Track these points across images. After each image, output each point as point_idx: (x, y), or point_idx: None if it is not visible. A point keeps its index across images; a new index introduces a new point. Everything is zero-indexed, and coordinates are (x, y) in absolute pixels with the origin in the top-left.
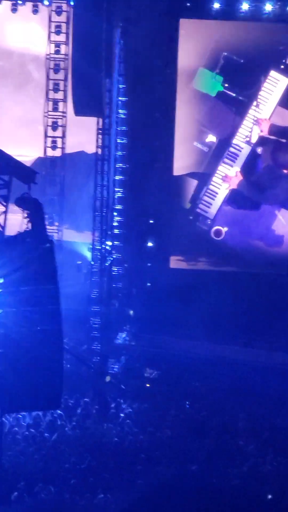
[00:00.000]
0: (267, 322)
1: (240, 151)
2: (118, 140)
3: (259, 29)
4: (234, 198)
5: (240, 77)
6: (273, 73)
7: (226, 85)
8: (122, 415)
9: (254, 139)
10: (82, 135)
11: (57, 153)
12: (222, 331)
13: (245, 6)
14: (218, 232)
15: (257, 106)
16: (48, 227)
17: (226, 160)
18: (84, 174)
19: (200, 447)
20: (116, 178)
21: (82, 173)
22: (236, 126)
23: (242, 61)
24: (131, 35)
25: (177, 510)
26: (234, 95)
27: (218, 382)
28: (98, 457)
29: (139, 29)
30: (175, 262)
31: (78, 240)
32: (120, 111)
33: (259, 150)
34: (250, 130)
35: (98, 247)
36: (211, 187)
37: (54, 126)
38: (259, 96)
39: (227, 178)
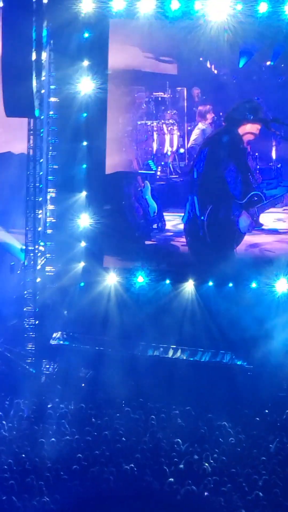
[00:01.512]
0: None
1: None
2: (50, 140)
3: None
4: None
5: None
6: None
7: None
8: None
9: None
10: (9, 135)
11: None
12: (156, 330)
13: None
14: None
15: None
16: None
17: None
18: (14, 174)
19: (137, 447)
20: (48, 179)
21: (11, 173)
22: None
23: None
24: (61, 35)
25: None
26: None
27: (154, 379)
28: (35, 458)
29: (68, 28)
30: (108, 261)
31: (10, 241)
32: (51, 111)
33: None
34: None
35: (31, 248)
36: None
37: None
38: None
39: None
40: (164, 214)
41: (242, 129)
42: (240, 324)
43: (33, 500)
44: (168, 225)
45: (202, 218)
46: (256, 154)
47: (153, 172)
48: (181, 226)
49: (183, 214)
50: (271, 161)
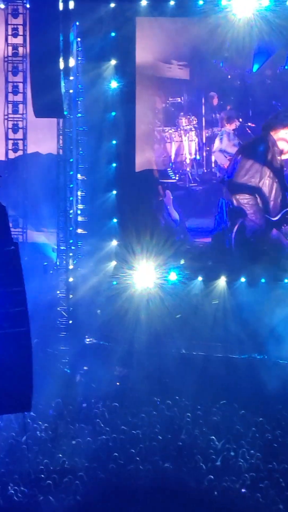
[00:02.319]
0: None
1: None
2: (79, 140)
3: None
4: None
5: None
6: None
7: None
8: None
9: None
10: (36, 135)
11: (18, 155)
12: (189, 327)
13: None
14: None
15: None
16: (12, 229)
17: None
18: (42, 174)
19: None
20: (78, 178)
21: (40, 173)
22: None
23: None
24: (88, 35)
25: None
26: None
27: (188, 376)
28: (71, 458)
29: (95, 28)
30: (140, 260)
31: (42, 241)
32: (79, 111)
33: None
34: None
35: (63, 248)
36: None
37: (15, 129)
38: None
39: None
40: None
41: (280, 138)
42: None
43: (70, 499)
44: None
45: (230, 234)
46: None
47: (173, 180)
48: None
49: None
50: None
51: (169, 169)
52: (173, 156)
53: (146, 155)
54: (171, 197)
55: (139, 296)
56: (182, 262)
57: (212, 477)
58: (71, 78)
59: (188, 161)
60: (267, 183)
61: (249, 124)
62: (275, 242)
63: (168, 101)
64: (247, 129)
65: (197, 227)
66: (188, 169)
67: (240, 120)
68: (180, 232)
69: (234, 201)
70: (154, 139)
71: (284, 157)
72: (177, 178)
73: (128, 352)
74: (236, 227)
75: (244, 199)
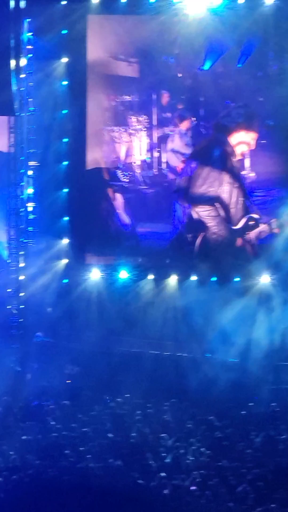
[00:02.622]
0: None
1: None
2: (30, 138)
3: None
4: None
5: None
6: None
7: None
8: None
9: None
10: None
11: None
12: (141, 325)
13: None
14: None
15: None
16: None
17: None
18: None
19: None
20: (29, 175)
21: None
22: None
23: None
24: (39, 32)
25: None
26: None
27: (140, 374)
28: (22, 456)
29: (47, 25)
30: (91, 258)
31: None
32: (31, 108)
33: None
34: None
35: (13, 245)
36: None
37: None
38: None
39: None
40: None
41: (235, 139)
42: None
43: (21, 497)
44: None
45: (192, 247)
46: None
47: (123, 182)
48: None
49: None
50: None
51: (118, 170)
52: (122, 157)
53: (96, 155)
54: (122, 201)
55: (90, 294)
56: (139, 260)
57: (162, 474)
58: (22, 76)
59: (138, 162)
60: (226, 189)
61: (202, 123)
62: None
63: (117, 100)
64: (201, 129)
65: (151, 231)
66: (138, 171)
67: (194, 119)
68: (131, 238)
69: (194, 214)
70: (103, 139)
71: (239, 158)
72: (127, 180)
73: (79, 350)
74: (198, 241)
75: (204, 211)
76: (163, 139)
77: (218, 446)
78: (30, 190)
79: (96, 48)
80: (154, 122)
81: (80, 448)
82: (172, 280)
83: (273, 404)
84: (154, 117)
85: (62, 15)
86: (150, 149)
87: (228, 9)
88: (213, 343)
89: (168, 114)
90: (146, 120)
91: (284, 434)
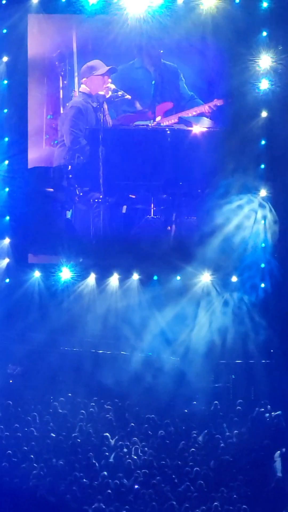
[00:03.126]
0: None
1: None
2: None
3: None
4: None
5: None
6: None
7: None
8: None
9: None
10: None
11: None
12: (82, 325)
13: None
14: None
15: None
16: None
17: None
18: None
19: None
20: None
21: None
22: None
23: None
24: None
25: None
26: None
27: (82, 374)
28: None
29: None
30: (33, 257)
31: None
32: None
33: None
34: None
35: None
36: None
37: None
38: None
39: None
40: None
41: None
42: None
43: None
44: None
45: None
46: None
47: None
48: None
49: None
50: None
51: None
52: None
53: (37, 154)
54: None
55: (32, 294)
56: (80, 260)
57: (105, 473)
58: None
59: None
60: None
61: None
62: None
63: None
64: None
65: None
66: (70, 176)
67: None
68: (74, 237)
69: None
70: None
71: None
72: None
73: (21, 350)
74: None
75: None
76: None
77: (161, 444)
78: None
79: (37, 47)
80: None
81: (24, 448)
82: (114, 278)
83: (215, 402)
84: None
85: (2, 14)
86: None
87: (167, 10)
88: (153, 342)
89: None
90: None
91: (226, 432)
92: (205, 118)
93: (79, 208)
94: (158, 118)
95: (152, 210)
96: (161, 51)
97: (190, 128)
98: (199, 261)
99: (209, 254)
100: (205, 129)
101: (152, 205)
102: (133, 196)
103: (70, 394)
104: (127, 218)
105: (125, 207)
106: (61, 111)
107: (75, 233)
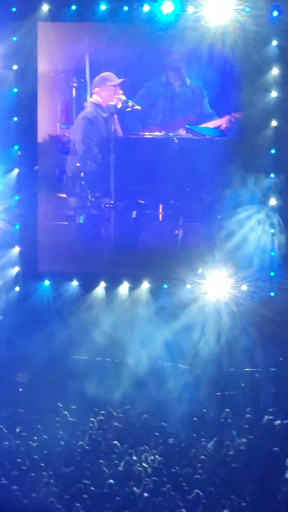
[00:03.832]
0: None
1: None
2: None
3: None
4: None
5: None
6: None
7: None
8: None
9: None
10: None
11: None
12: (93, 333)
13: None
14: None
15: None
16: None
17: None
18: None
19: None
20: None
21: None
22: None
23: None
24: None
25: None
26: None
27: (94, 382)
28: None
29: None
30: (43, 266)
31: None
32: None
33: None
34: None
35: None
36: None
37: None
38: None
39: None
40: None
41: None
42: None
43: None
44: None
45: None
46: None
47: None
48: None
49: None
50: None
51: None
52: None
53: (47, 162)
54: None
55: (41, 301)
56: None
57: (113, 481)
58: None
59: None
60: None
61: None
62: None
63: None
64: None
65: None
66: (82, 182)
67: None
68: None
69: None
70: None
71: None
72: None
73: (31, 358)
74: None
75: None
76: None
77: (171, 452)
78: None
79: (47, 55)
80: None
81: (34, 456)
82: (124, 287)
83: (226, 410)
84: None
85: (12, 22)
86: None
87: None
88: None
89: None
90: None
91: (236, 439)
92: (211, 128)
93: (91, 213)
94: (180, 131)
95: (160, 215)
96: (169, 61)
97: (196, 137)
98: (208, 268)
99: (217, 261)
100: (212, 138)
101: (160, 210)
102: (142, 202)
103: (74, 407)
104: (136, 223)
105: (134, 212)
106: (74, 120)
107: (87, 238)
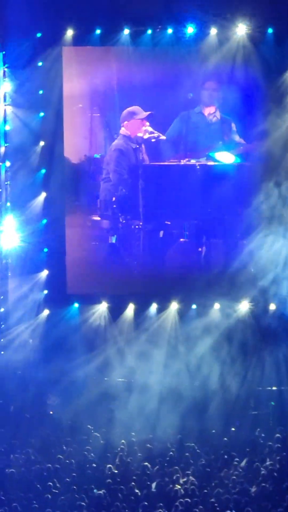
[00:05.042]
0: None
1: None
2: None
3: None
4: None
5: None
6: None
7: None
8: None
9: None
10: None
11: None
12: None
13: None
14: None
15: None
16: None
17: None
18: None
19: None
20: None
21: None
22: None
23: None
24: (15, 65)
25: None
26: None
27: (125, 404)
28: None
29: (22, 58)
30: (72, 288)
31: None
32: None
33: None
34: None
35: None
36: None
37: None
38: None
39: None
40: None
41: None
42: None
43: None
44: None
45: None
46: None
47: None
48: None
49: None
50: None
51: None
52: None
53: (75, 186)
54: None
55: (70, 324)
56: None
57: (146, 503)
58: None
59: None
60: None
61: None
62: None
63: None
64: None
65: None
66: (114, 206)
67: None
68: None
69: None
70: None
71: None
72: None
73: (62, 381)
74: None
75: None
76: None
77: (202, 472)
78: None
79: (73, 80)
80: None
81: (66, 479)
82: (153, 309)
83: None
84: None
85: (38, 47)
86: None
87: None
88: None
89: None
90: None
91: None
92: (229, 153)
93: (122, 234)
94: (202, 158)
95: (185, 233)
96: (191, 95)
97: (217, 163)
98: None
99: (241, 281)
100: (232, 164)
101: (185, 230)
102: (168, 223)
103: (110, 424)
104: (163, 241)
105: (162, 232)
106: (104, 148)
107: (118, 256)
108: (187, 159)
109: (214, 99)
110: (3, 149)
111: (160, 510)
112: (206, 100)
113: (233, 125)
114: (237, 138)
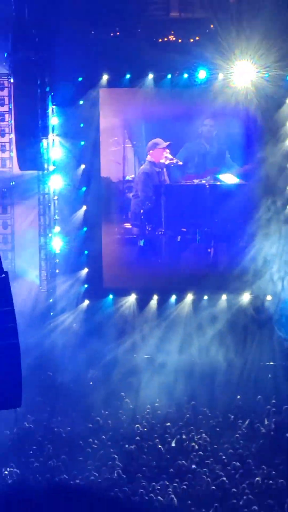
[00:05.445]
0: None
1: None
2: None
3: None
4: None
5: None
6: None
7: None
8: None
9: None
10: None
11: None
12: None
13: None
14: None
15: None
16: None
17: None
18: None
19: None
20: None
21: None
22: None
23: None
24: (61, 103)
25: None
26: None
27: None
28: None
29: (67, 97)
30: (108, 281)
31: (27, 268)
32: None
33: None
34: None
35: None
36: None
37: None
38: None
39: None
40: None
41: None
42: None
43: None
44: None
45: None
46: None
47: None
48: None
49: None
50: None
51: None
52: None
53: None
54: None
55: (107, 314)
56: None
57: (167, 456)
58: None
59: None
60: None
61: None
62: None
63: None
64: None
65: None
66: (142, 217)
67: None
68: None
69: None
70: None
71: None
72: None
73: (101, 358)
74: None
75: None
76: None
77: (213, 432)
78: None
79: (107, 114)
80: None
81: (102, 437)
82: (172, 299)
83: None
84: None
85: (79, 89)
86: None
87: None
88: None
89: None
90: None
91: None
92: (232, 175)
93: (148, 238)
94: (207, 178)
95: (197, 238)
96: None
97: (222, 183)
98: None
99: (242, 276)
100: (234, 183)
101: (197, 235)
102: (184, 230)
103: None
104: (180, 245)
105: (179, 237)
106: (135, 172)
107: (145, 256)
108: (198, 179)
109: (212, 133)
110: (51, 168)
111: (179, 461)
112: (206, 134)
113: (227, 152)
114: (229, 162)
